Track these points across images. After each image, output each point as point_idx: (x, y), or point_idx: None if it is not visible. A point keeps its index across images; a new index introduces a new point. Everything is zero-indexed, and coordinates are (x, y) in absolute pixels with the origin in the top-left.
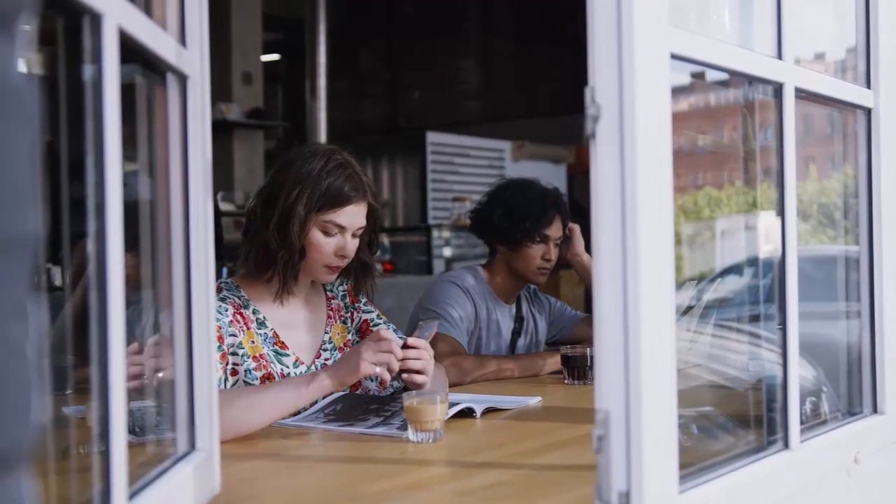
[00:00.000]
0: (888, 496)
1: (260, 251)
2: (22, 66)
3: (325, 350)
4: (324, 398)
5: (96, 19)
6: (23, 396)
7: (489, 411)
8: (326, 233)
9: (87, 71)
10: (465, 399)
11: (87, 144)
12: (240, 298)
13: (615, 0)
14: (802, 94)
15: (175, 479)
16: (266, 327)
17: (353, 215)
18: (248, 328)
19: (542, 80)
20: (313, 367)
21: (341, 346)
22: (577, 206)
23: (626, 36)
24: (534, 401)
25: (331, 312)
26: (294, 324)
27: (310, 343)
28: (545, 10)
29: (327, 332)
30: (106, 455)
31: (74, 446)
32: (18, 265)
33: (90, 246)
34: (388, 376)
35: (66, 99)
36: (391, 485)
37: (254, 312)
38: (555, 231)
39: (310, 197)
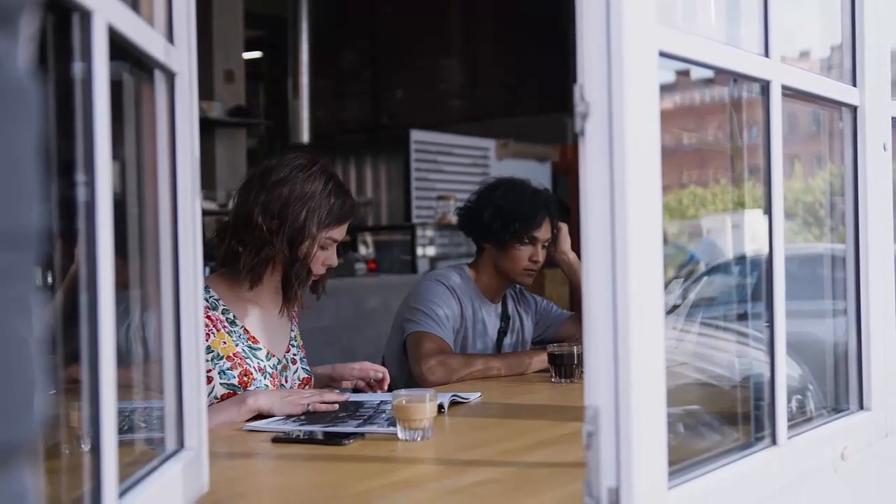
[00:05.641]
0: (875, 492)
1: (264, 264)
2: (25, 64)
3: (292, 345)
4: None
5: (86, 16)
6: (27, 392)
7: (454, 404)
8: (322, 247)
9: (76, 68)
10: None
11: (77, 142)
12: (208, 300)
13: None
14: (789, 92)
15: (164, 477)
16: (237, 325)
17: (345, 229)
18: (219, 329)
19: (526, 78)
20: (284, 360)
21: (300, 345)
22: (562, 205)
23: (615, 34)
24: (474, 396)
25: (294, 314)
26: (263, 322)
27: (279, 339)
28: (528, 9)
29: (293, 330)
30: (96, 454)
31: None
32: (23, 261)
33: (80, 245)
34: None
35: (54, 95)
36: (380, 483)
37: (223, 312)
38: (543, 233)
39: (319, 216)
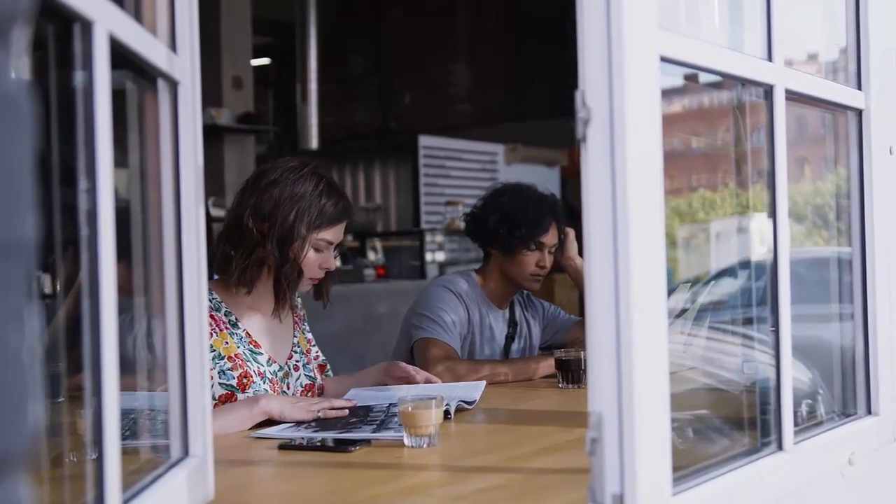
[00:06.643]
0: (882, 497)
1: (256, 267)
2: (18, 73)
3: (295, 352)
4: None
5: (87, 26)
6: (20, 402)
7: (460, 410)
8: (317, 249)
9: (78, 77)
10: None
11: (78, 151)
12: (211, 301)
13: (605, 3)
14: (793, 96)
15: (169, 485)
16: (239, 328)
17: (341, 231)
18: (221, 330)
19: (534, 82)
20: (286, 367)
21: (305, 350)
22: (570, 209)
23: (616, 39)
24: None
25: (296, 319)
26: (266, 327)
27: (281, 345)
28: (535, 13)
29: (295, 336)
30: (100, 461)
31: (67, 453)
32: (16, 271)
33: (82, 253)
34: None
35: (56, 105)
36: (386, 490)
37: (226, 315)
38: (550, 238)
39: (309, 217)
